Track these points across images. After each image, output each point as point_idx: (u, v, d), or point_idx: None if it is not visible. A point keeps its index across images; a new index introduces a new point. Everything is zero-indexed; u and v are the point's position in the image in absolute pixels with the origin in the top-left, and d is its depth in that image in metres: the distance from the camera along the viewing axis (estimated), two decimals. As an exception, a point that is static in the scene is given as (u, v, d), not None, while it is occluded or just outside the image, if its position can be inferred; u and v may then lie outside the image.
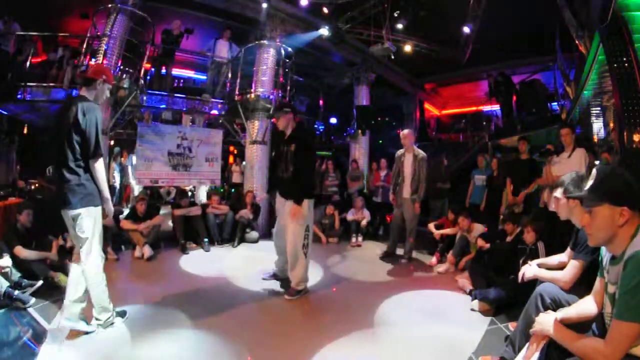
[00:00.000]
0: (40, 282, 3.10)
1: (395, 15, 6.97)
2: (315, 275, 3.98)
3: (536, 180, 4.49)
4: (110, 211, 2.59)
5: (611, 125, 5.34)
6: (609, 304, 1.36)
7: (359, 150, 8.92)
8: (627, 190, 1.28)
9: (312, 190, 3.55)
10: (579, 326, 1.47)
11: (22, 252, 3.33)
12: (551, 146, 4.22)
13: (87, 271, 2.46)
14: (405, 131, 4.75)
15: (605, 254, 1.45)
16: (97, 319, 2.51)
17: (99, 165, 2.44)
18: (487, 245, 3.85)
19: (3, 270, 2.98)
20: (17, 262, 3.21)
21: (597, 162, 4.33)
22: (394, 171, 4.80)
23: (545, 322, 1.50)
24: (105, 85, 2.59)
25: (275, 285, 3.66)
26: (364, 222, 5.78)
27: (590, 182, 1.37)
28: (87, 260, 2.45)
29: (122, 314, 2.69)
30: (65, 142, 2.37)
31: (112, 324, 2.56)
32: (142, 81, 5.80)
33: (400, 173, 4.68)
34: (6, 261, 3.07)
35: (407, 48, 7.83)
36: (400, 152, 4.76)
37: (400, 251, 4.85)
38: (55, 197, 2.52)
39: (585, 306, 1.54)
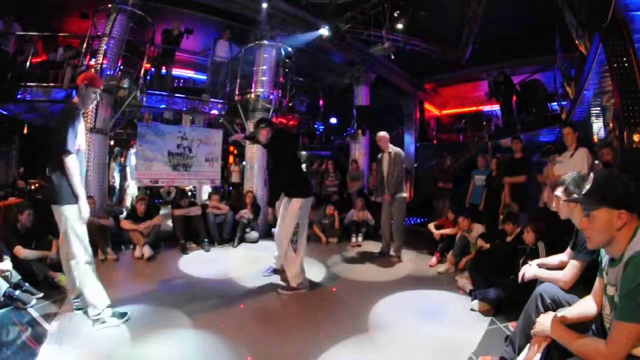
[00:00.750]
0: (40, 294, 3.09)
1: (395, 15, 6.96)
2: (315, 274, 3.98)
3: (525, 175, 4.59)
4: (84, 210, 2.52)
5: (611, 125, 5.33)
6: (607, 306, 1.36)
7: (359, 150, 8.93)
8: (624, 193, 1.29)
9: (304, 189, 3.60)
10: (579, 326, 1.47)
11: (21, 251, 3.33)
12: (552, 146, 4.22)
13: (72, 268, 2.56)
14: (380, 134, 4.87)
15: (604, 255, 1.45)
16: (88, 315, 2.56)
17: (70, 162, 2.46)
18: (487, 246, 3.85)
19: (3, 274, 2.98)
20: (17, 263, 3.21)
21: (597, 162, 4.33)
22: (377, 174, 4.96)
23: (546, 322, 1.50)
24: (90, 89, 2.67)
25: (276, 285, 3.66)
26: (364, 225, 5.81)
27: (588, 186, 1.36)
28: (69, 257, 2.56)
29: (121, 315, 2.68)
30: (49, 144, 2.55)
31: (104, 322, 2.56)
32: (142, 81, 5.80)
33: (380, 174, 4.80)
34: (6, 265, 3.07)
35: (407, 48, 7.81)
36: (380, 155, 4.89)
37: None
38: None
39: (586, 306, 1.55)
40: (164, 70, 7.13)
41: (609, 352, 1.20)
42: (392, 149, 4.76)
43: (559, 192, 1.97)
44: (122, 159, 7.88)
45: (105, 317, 2.58)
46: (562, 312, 1.57)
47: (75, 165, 2.49)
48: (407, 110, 11.98)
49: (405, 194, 4.80)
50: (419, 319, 2.90)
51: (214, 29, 7.47)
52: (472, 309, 3.01)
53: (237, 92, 6.58)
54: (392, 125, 11.46)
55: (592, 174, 1.39)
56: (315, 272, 4.11)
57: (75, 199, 2.50)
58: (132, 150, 7.45)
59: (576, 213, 1.87)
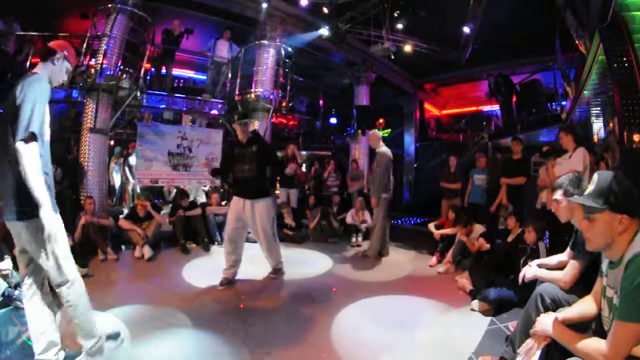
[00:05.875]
0: None
1: (395, 15, 6.97)
2: (316, 275, 4.01)
3: (522, 176, 4.60)
4: (47, 221, 1.76)
5: (611, 125, 5.33)
6: (606, 308, 1.36)
7: (359, 150, 8.94)
8: (627, 197, 1.28)
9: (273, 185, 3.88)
10: (579, 326, 1.47)
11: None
12: (550, 146, 4.23)
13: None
14: (369, 132, 4.86)
15: (604, 257, 1.45)
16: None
17: (27, 150, 1.72)
18: (488, 246, 3.85)
19: (3, 273, 2.97)
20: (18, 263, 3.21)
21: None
22: None
23: (546, 322, 1.50)
24: (65, 63, 2.09)
25: (276, 285, 3.68)
26: (363, 226, 5.78)
27: (591, 187, 1.36)
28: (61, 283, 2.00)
29: (114, 336, 2.32)
30: (6, 129, 1.85)
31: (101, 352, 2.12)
32: (142, 81, 5.80)
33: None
34: (7, 264, 3.06)
35: (407, 48, 7.82)
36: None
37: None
38: None
39: (586, 306, 1.54)
40: (164, 70, 7.14)
41: (609, 352, 1.19)
42: (380, 148, 4.63)
43: (558, 195, 1.97)
44: (122, 159, 7.86)
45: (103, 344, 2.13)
46: (562, 312, 1.57)
47: (35, 155, 1.74)
48: (407, 110, 11.98)
49: (386, 195, 4.63)
50: (419, 319, 2.90)
51: (214, 29, 7.48)
52: (472, 309, 3.01)
53: (237, 92, 6.59)
54: (392, 125, 11.47)
55: (595, 175, 1.38)
56: (316, 272, 4.13)
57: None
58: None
59: (577, 214, 1.86)
